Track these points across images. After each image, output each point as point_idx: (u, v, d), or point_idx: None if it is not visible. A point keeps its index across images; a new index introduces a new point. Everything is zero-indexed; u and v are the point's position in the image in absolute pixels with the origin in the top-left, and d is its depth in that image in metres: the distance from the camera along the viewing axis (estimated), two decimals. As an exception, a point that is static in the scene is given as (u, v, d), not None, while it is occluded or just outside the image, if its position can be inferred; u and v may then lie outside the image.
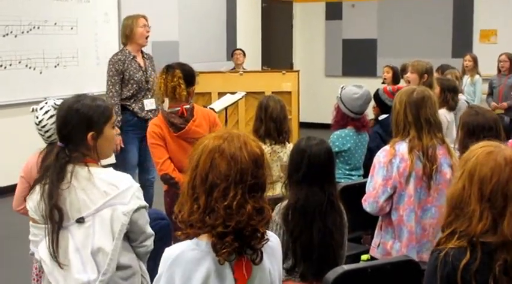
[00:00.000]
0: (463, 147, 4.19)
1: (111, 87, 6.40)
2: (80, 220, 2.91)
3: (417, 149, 3.86)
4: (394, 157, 3.87)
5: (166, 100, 4.77)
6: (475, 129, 4.20)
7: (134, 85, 6.41)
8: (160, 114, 4.72)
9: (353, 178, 5.36)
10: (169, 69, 4.67)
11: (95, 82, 8.63)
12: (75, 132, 3.00)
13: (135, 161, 6.47)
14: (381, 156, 3.94)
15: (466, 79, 9.77)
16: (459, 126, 4.36)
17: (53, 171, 2.93)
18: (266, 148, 4.99)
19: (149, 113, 6.45)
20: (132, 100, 6.42)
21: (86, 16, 9.21)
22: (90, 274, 2.87)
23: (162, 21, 10.54)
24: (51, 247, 2.88)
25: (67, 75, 8.84)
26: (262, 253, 2.32)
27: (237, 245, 2.25)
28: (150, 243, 3.14)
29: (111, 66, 6.43)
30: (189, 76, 4.70)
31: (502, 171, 2.36)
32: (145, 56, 6.67)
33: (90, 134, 3.01)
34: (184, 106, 4.67)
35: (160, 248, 3.04)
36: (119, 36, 8.53)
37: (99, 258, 2.91)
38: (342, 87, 5.45)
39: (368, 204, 3.95)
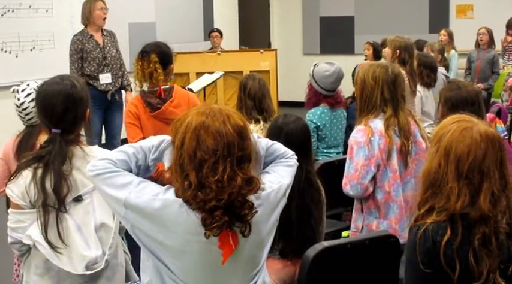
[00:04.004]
0: None
1: (71, 65, 7.37)
2: (79, 198, 2.93)
3: (393, 125, 3.83)
4: (373, 135, 3.81)
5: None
6: (459, 103, 4.19)
7: (92, 62, 7.36)
8: (139, 93, 4.70)
9: (331, 155, 5.36)
10: (144, 55, 4.60)
11: (71, 65, 8.56)
12: (76, 117, 3.02)
13: (97, 129, 7.36)
14: (358, 136, 3.85)
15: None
16: (440, 100, 4.34)
17: (56, 159, 2.91)
18: (255, 126, 5.01)
19: (108, 86, 7.46)
20: (92, 76, 7.35)
21: (61, -2, 9.12)
22: (94, 251, 2.90)
23: (138, 2, 10.48)
24: (44, 230, 2.86)
25: (43, 59, 8.74)
26: (250, 225, 2.35)
27: (227, 219, 2.29)
28: None
29: (70, 46, 7.42)
30: (165, 57, 4.65)
31: (478, 148, 2.36)
32: (104, 33, 7.57)
33: (87, 115, 3.08)
34: (163, 87, 4.64)
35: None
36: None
37: (101, 233, 2.94)
38: (315, 65, 5.45)
39: (351, 187, 3.83)
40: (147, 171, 2.56)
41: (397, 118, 3.85)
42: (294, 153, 2.70)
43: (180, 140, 2.34)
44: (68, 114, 2.98)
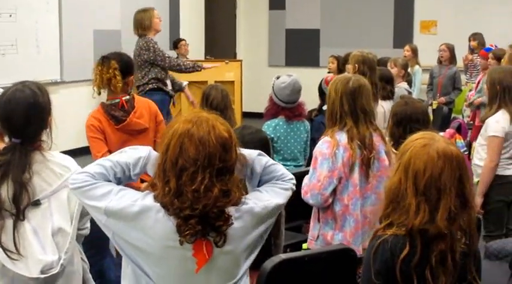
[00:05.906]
0: (391, 137, 4.26)
1: (170, 57, 7.67)
2: (37, 202, 2.90)
3: (356, 138, 3.85)
4: (338, 148, 3.82)
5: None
6: (402, 119, 4.29)
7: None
8: (100, 106, 4.62)
9: (287, 168, 5.31)
10: (104, 60, 4.54)
11: (34, 71, 8.46)
12: (39, 126, 2.99)
13: None
14: (324, 147, 3.86)
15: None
16: (390, 115, 4.44)
17: (15, 168, 2.88)
18: None
19: (171, 91, 7.71)
20: (164, 81, 7.55)
21: (26, 4, 9.02)
22: (50, 255, 2.87)
23: (103, 9, 10.40)
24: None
25: (6, 64, 8.65)
26: (226, 236, 2.38)
27: (200, 228, 2.33)
28: (89, 225, 3.17)
29: (156, 46, 7.48)
30: (125, 66, 4.59)
31: (434, 165, 2.39)
32: None
33: (49, 120, 3.03)
34: (124, 98, 4.57)
35: (104, 240, 3.05)
36: (60, 25, 8.50)
37: (58, 238, 2.91)
38: (277, 77, 5.48)
39: (311, 196, 3.85)
40: (129, 180, 2.60)
41: (358, 130, 3.85)
42: (293, 176, 2.70)
43: (165, 146, 2.38)
44: (29, 125, 2.95)
